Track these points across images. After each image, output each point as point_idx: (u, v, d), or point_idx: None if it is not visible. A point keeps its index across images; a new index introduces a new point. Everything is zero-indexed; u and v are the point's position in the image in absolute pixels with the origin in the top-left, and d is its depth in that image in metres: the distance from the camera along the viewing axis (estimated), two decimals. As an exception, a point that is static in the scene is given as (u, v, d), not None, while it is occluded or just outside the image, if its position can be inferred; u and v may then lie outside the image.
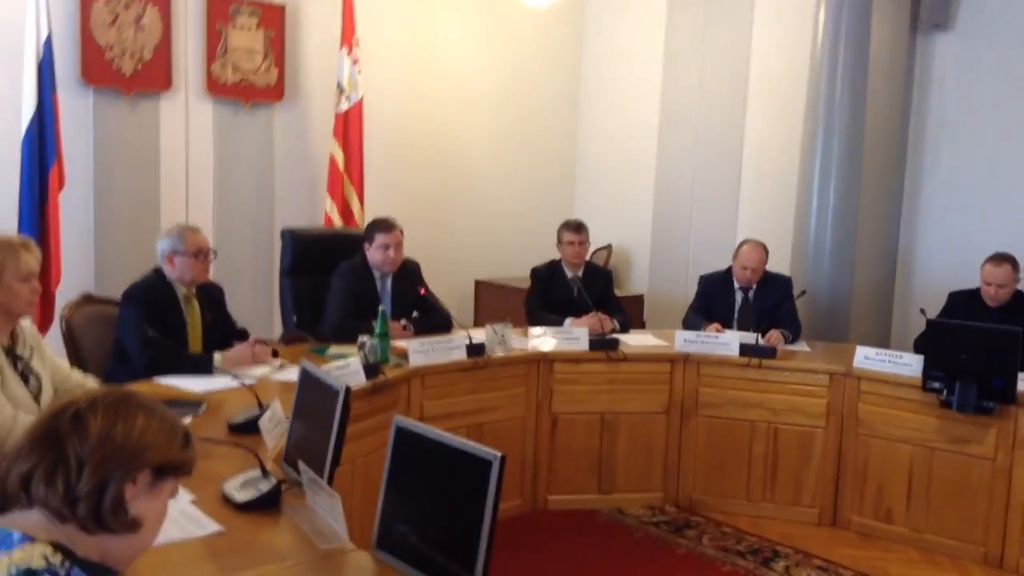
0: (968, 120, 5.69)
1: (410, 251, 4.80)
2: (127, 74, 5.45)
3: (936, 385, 4.11)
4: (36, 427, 1.38)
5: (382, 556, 2.00)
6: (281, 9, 6.01)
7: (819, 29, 5.62)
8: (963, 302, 4.67)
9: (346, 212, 6.10)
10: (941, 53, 5.79)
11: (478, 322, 6.24)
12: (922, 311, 4.51)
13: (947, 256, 5.76)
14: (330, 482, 2.25)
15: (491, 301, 6.92)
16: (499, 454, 1.86)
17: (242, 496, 2.28)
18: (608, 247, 7.27)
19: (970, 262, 4.84)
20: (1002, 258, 4.52)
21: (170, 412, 1.48)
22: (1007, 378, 3.94)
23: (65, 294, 4.55)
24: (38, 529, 1.32)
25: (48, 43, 4.89)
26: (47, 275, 5.01)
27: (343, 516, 2.11)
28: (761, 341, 4.61)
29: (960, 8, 5.69)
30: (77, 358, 3.71)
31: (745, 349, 4.55)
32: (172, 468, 1.44)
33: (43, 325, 4.94)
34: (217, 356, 3.65)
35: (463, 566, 1.81)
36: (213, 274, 4.02)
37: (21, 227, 4.88)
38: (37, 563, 1.26)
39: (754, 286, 4.99)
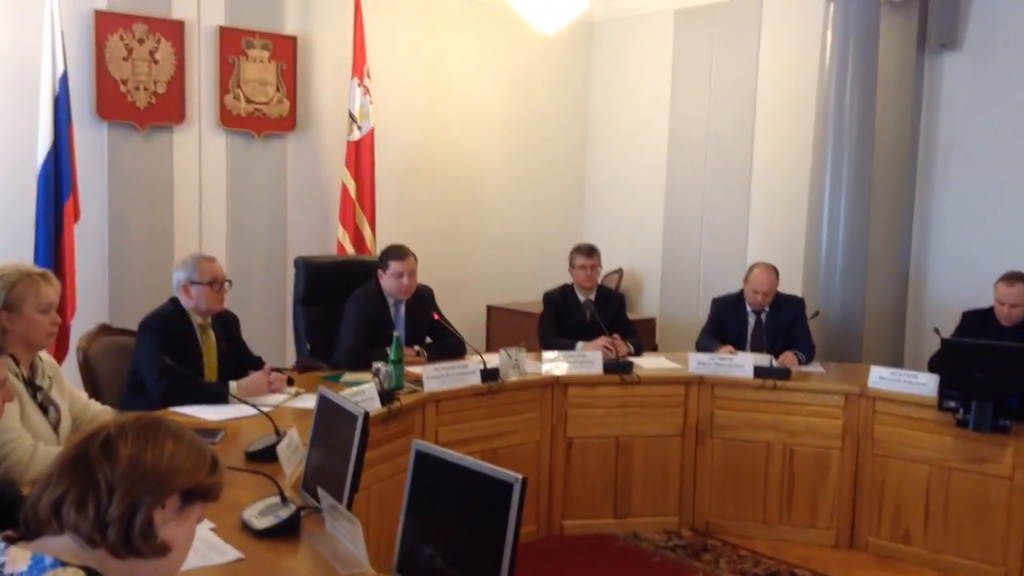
0: (977, 139, 5.70)
1: (422, 277, 4.82)
2: (141, 107, 5.51)
3: (952, 404, 4.10)
4: (66, 453, 1.41)
5: (403, 581, 2.01)
6: (293, 41, 6.08)
7: (827, 50, 5.65)
8: (977, 322, 4.66)
9: (358, 240, 6.14)
10: (949, 72, 5.82)
11: (490, 347, 6.25)
12: (936, 330, 4.50)
13: (959, 275, 5.75)
14: (349, 508, 2.26)
15: (503, 326, 6.93)
16: (520, 476, 1.87)
17: (262, 523, 2.29)
18: (619, 271, 7.28)
19: (982, 281, 4.84)
20: (1015, 277, 4.51)
21: (199, 438, 1.50)
22: (1023, 396, 3.93)
23: (80, 325, 4.58)
24: (69, 554, 1.33)
25: (64, 79, 4.95)
26: (63, 306, 5.04)
27: (364, 541, 2.12)
28: (775, 363, 4.60)
29: (967, 27, 5.72)
30: (94, 388, 3.73)
31: (759, 371, 4.55)
32: (200, 493, 1.45)
33: (59, 356, 4.95)
34: (233, 385, 3.67)
35: (485, 589, 1.81)
36: (228, 303, 4.04)
37: (37, 259, 4.91)
38: None
39: (767, 308, 4.99)
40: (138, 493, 1.36)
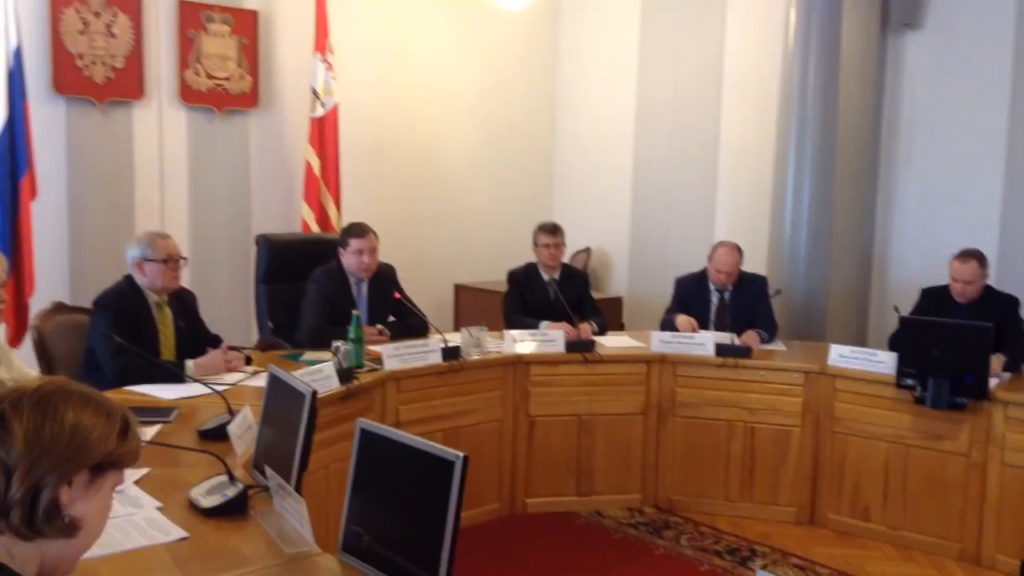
0: (939, 118, 5.72)
1: (389, 256, 4.79)
2: (99, 82, 5.43)
3: (909, 382, 4.12)
4: None
5: (348, 560, 2.00)
6: (254, 15, 5.99)
7: (790, 29, 5.65)
8: (934, 298, 4.67)
9: (323, 218, 6.09)
10: (912, 51, 5.83)
11: (458, 327, 6.23)
12: (895, 308, 4.53)
13: (922, 253, 5.78)
14: (298, 487, 2.24)
15: (471, 305, 6.92)
16: (461, 454, 1.85)
17: (208, 502, 2.27)
18: (587, 250, 7.27)
19: (945, 258, 4.83)
20: (969, 254, 4.52)
21: (107, 402, 1.39)
22: (978, 374, 3.96)
23: (39, 304, 4.50)
24: None
25: (18, 52, 4.86)
26: (21, 285, 4.98)
27: (308, 520, 2.10)
28: (737, 341, 4.62)
29: (929, 6, 5.73)
30: (49, 367, 3.69)
31: (721, 349, 4.56)
32: (111, 463, 1.36)
33: (17, 335, 4.91)
34: (189, 363, 3.63)
35: (427, 568, 1.80)
36: (190, 281, 4.01)
37: (-7, 237, 4.85)
38: None
39: (730, 287, 5.00)
40: (39, 473, 1.27)
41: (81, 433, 1.31)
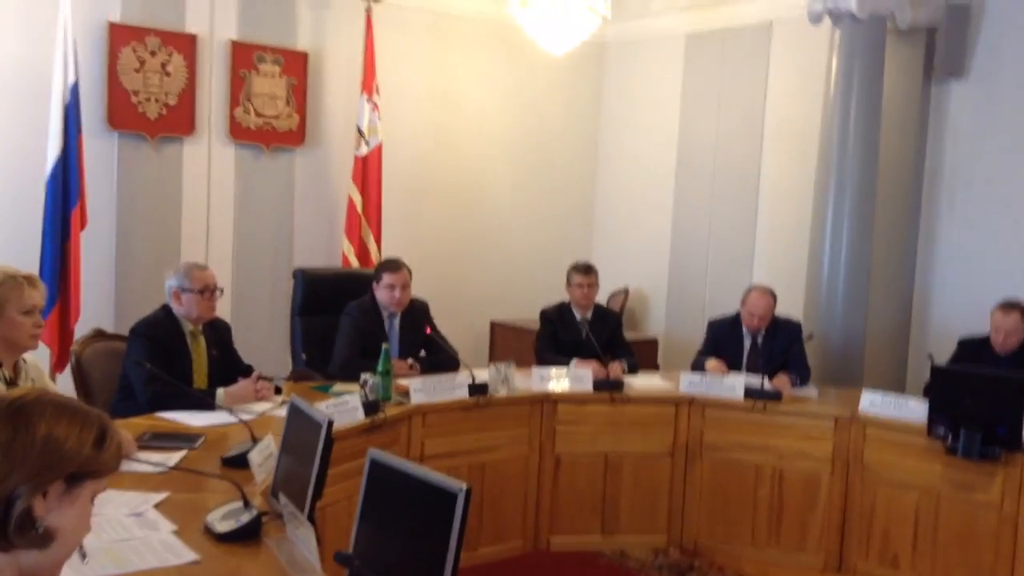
0: (982, 167, 5.67)
1: (427, 292, 4.87)
2: (152, 118, 5.62)
3: (941, 431, 4.07)
4: None
5: (353, 588, 2.04)
6: (304, 56, 6.17)
7: (832, 77, 5.64)
8: (973, 349, 4.63)
9: (363, 253, 6.20)
10: (955, 101, 5.80)
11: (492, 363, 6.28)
12: (929, 356, 4.49)
13: (964, 302, 5.70)
14: (311, 514, 2.30)
15: (506, 343, 6.96)
16: (464, 486, 1.88)
17: (222, 527, 2.33)
18: (625, 290, 7.29)
19: (987, 309, 4.79)
20: (1011, 306, 4.48)
21: (82, 411, 1.38)
22: (1012, 425, 3.90)
23: (84, 331, 4.65)
24: None
25: (75, 88, 5.06)
26: (67, 312, 5.14)
27: (316, 548, 2.15)
28: (767, 385, 4.59)
29: (975, 56, 5.70)
30: (85, 392, 3.80)
31: (750, 392, 4.54)
32: (86, 473, 1.35)
33: (61, 361, 5.06)
34: (220, 392, 3.72)
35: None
36: (232, 312, 4.10)
37: (43, 264, 5.01)
38: None
39: (763, 331, 4.98)
40: (11, 485, 1.27)
41: (53, 444, 1.31)
